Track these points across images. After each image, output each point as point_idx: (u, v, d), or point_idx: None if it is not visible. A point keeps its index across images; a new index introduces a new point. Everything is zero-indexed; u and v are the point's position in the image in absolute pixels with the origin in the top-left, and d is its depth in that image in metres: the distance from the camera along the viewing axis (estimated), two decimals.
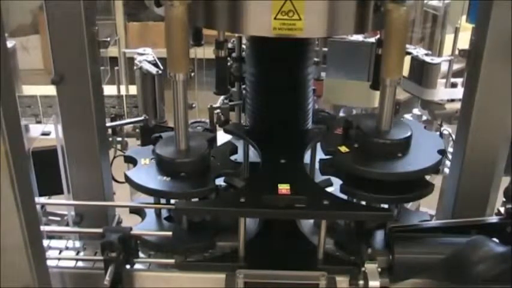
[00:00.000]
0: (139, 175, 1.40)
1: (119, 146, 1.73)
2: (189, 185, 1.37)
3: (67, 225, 1.52)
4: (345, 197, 1.39)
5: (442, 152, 1.41)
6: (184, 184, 1.37)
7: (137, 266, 1.38)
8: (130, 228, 1.35)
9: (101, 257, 1.31)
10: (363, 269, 1.24)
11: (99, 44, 1.36)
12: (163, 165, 1.41)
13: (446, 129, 1.83)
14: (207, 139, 1.47)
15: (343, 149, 1.41)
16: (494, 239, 1.28)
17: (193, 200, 1.41)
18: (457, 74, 1.84)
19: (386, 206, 1.45)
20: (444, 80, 1.85)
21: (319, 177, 1.52)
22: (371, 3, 1.23)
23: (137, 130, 1.77)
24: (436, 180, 1.59)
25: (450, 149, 1.66)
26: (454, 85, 1.85)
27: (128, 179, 1.40)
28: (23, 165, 1.02)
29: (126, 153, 1.54)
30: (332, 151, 1.42)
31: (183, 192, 1.37)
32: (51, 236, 1.49)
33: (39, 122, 1.79)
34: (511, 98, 1.29)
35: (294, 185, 1.33)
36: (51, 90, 1.55)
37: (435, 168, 1.41)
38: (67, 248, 1.46)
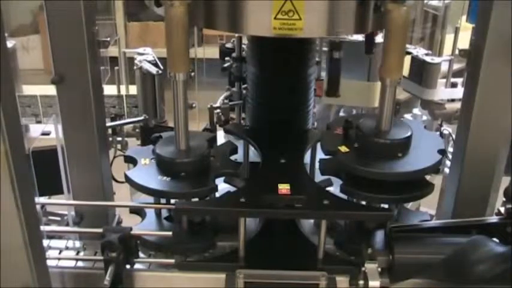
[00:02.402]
0: (140, 175, 1.40)
1: (119, 146, 1.73)
2: (189, 185, 1.37)
3: (67, 225, 1.52)
4: (345, 197, 1.39)
5: (442, 152, 1.41)
6: (184, 184, 1.37)
7: (137, 266, 1.38)
8: (131, 228, 1.35)
9: (101, 257, 1.31)
10: (363, 269, 1.24)
11: (99, 44, 1.36)
12: (163, 165, 1.41)
13: (446, 129, 1.83)
14: (206, 139, 1.47)
15: (343, 148, 1.41)
16: (494, 239, 1.28)
17: (193, 200, 1.41)
18: (457, 74, 1.84)
19: (386, 206, 1.46)
20: (444, 80, 1.85)
21: (319, 177, 1.52)
22: (371, 3, 1.23)
23: (137, 130, 1.77)
24: (436, 180, 1.59)
25: (450, 149, 1.66)
26: (454, 85, 1.85)
27: (127, 179, 1.40)
28: (23, 165, 1.02)
29: (126, 153, 1.54)
30: (332, 151, 1.42)
31: (183, 192, 1.37)
32: (51, 236, 1.49)
33: (39, 122, 1.79)
34: (511, 98, 1.29)
35: (294, 185, 1.33)
36: (51, 90, 1.55)
37: (435, 168, 1.41)
38: (67, 248, 1.47)
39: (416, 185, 1.39)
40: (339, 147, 1.41)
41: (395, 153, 1.38)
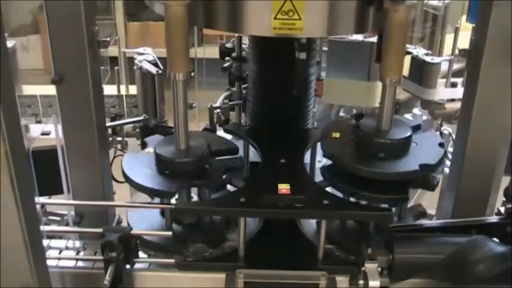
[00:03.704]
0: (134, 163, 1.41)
1: (119, 146, 1.73)
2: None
3: (67, 225, 1.52)
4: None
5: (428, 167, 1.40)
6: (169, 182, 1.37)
7: (137, 266, 1.38)
8: (131, 228, 1.35)
9: (101, 257, 1.31)
10: (363, 268, 1.24)
11: (99, 44, 1.36)
12: (161, 164, 1.41)
13: (447, 129, 1.83)
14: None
15: (336, 134, 1.41)
16: (494, 239, 1.28)
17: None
18: (457, 73, 1.84)
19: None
20: (444, 80, 1.85)
21: (319, 177, 1.52)
22: (371, 3, 1.23)
23: (137, 130, 1.77)
24: None
25: (450, 149, 1.66)
26: (454, 85, 1.85)
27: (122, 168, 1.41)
28: (23, 165, 1.02)
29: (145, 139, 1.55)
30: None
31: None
32: (51, 235, 1.49)
33: (39, 122, 1.79)
34: (511, 98, 1.29)
35: (294, 185, 1.33)
36: (51, 90, 1.55)
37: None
38: (67, 248, 1.47)
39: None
40: (333, 133, 1.41)
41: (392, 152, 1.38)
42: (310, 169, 1.61)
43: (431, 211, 1.73)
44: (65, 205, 1.51)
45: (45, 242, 1.41)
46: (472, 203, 1.41)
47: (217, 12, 1.26)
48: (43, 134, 1.55)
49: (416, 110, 2.01)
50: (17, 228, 1.01)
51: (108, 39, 1.38)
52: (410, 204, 1.69)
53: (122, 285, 1.32)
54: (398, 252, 1.25)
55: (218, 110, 1.80)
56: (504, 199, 1.40)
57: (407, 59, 1.73)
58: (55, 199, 1.57)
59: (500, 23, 1.23)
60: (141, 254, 1.40)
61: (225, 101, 1.85)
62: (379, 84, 1.36)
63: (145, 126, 1.71)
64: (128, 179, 1.39)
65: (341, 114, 2.15)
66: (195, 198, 1.48)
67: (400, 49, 1.27)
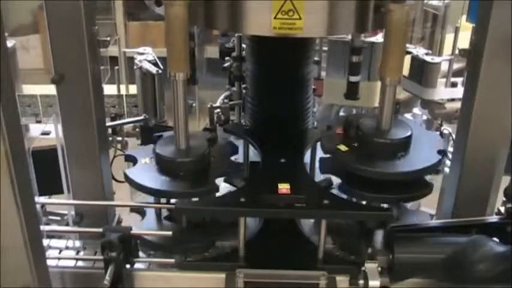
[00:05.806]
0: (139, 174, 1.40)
1: (118, 146, 1.73)
2: (189, 185, 1.37)
3: (67, 224, 1.52)
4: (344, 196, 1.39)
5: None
6: (184, 184, 1.37)
7: (137, 265, 1.38)
8: (131, 228, 1.35)
9: (101, 257, 1.31)
10: (363, 268, 1.24)
11: (99, 43, 1.36)
12: (163, 165, 1.41)
13: (447, 128, 1.83)
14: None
15: (343, 147, 1.40)
16: (494, 239, 1.28)
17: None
18: (457, 73, 1.84)
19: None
20: (444, 80, 1.85)
21: (319, 177, 1.52)
22: (371, 3, 1.23)
23: (137, 130, 1.77)
24: (436, 180, 1.59)
25: (450, 149, 1.66)
26: (454, 84, 1.85)
27: (126, 178, 1.40)
28: (23, 165, 1.02)
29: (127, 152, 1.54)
30: (331, 150, 1.42)
31: (182, 192, 1.37)
32: (51, 235, 1.49)
33: (39, 122, 1.79)
34: (511, 98, 1.29)
35: (294, 185, 1.33)
36: (51, 89, 1.55)
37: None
38: (67, 248, 1.47)
39: (415, 185, 1.39)
40: (338, 146, 1.41)
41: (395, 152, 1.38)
42: (310, 169, 1.61)
43: (432, 211, 1.73)
44: (65, 205, 1.51)
45: (45, 242, 1.41)
46: (472, 203, 1.41)
47: (217, 12, 1.26)
48: (43, 134, 1.55)
49: (416, 110, 2.01)
50: (17, 228, 1.01)
51: (108, 39, 1.38)
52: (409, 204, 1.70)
53: (122, 285, 1.32)
54: (398, 252, 1.25)
55: (218, 110, 1.80)
56: (504, 199, 1.39)
57: (407, 59, 1.73)
58: (55, 199, 1.57)
59: (500, 23, 1.23)
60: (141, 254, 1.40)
61: (225, 101, 1.84)
62: (379, 84, 1.36)
63: (145, 126, 1.71)
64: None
65: (341, 114, 2.15)
66: None
67: (400, 49, 1.27)
